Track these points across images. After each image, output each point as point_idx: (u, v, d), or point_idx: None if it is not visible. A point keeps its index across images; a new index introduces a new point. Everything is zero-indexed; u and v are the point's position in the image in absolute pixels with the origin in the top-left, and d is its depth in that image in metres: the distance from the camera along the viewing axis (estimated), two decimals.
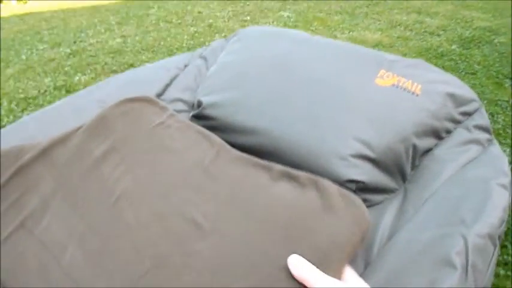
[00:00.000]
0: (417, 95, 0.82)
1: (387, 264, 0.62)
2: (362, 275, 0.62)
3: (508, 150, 1.79)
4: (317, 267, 0.53)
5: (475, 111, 0.89)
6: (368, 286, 0.51)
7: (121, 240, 0.66)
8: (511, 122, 2.00)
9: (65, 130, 0.83)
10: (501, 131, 1.92)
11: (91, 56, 2.82)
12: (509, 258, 1.29)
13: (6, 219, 0.69)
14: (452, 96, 0.86)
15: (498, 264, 1.27)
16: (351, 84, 0.83)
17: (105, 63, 2.65)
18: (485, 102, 2.17)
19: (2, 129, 0.94)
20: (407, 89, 0.83)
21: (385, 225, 0.71)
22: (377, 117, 0.78)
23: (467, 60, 2.67)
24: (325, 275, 0.50)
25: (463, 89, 0.90)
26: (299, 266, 0.52)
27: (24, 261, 0.64)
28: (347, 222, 0.61)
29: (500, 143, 1.79)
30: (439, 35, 3.08)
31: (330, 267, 0.54)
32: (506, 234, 1.38)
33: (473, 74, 2.48)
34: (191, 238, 0.64)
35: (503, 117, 2.03)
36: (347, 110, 0.79)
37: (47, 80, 2.48)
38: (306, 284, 0.50)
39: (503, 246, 1.33)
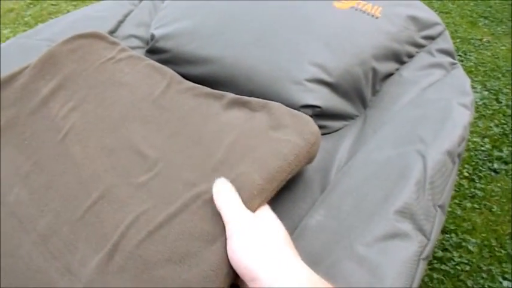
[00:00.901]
0: (377, 18, 0.78)
1: (342, 185, 0.60)
2: (318, 199, 0.60)
3: (479, 87, 1.78)
4: (258, 177, 0.52)
5: (439, 35, 0.86)
6: (278, 221, 0.47)
7: (67, 176, 0.63)
8: (484, 59, 1.98)
9: (10, 71, 0.79)
10: (473, 69, 1.91)
11: (52, 4, 2.68)
12: (476, 191, 1.30)
13: None
14: (414, 19, 0.82)
15: (465, 197, 1.28)
16: (308, 7, 0.79)
17: (68, 12, 2.53)
18: (458, 40, 2.15)
19: None
20: (366, 12, 0.79)
21: (343, 151, 0.69)
22: (334, 41, 0.74)
23: None
24: (240, 209, 0.45)
25: (426, 12, 0.86)
26: (219, 194, 0.48)
27: None
28: (292, 136, 0.59)
29: (472, 81, 1.78)
30: None
31: (273, 176, 0.53)
32: (474, 168, 1.39)
33: (447, 13, 2.44)
34: (137, 170, 0.62)
35: (475, 55, 2.02)
36: (303, 33, 0.75)
37: (5, 32, 2.36)
38: (221, 214, 0.46)
39: (470, 180, 1.34)
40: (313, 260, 0.50)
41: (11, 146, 0.69)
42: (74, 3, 2.67)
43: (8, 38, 2.26)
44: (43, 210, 0.59)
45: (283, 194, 0.61)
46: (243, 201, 0.48)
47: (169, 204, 0.56)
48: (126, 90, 0.76)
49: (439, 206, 0.57)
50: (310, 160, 0.60)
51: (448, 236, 1.16)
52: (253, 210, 0.49)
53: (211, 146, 0.63)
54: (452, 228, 1.18)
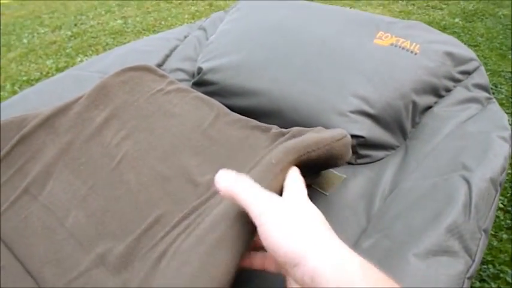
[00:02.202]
0: (415, 54, 0.82)
1: (391, 211, 0.63)
2: (366, 228, 0.63)
3: (511, 119, 1.78)
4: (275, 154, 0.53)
5: (475, 70, 0.89)
6: (311, 204, 0.45)
7: (122, 201, 0.67)
8: None
9: (65, 101, 0.84)
10: (504, 101, 1.92)
11: (92, 37, 2.81)
12: None
13: (11, 187, 0.71)
14: (450, 55, 0.86)
15: (501, 228, 1.28)
16: (350, 45, 0.84)
17: (107, 44, 2.65)
18: (488, 73, 2.16)
19: (3, 102, 0.95)
20: (405, 48, 0.83)
21: (386, 179, 0.71)
22: (376, 75, 0.78)
23: (470, 32, 2.64)
24: (269, 197, 0.43)
25: (462, 49, 0.90)
26: (236, 187, 0.44)
27: (29, 224, 0.65)
28: (319, 134, 0.61)
29: (505, 112, 1.78)
30: (441, 9, 3.04)
31: (288, 150, 0.54)
32: (509, 199, 1.39)
33: (476, 46, 2.46)
34: (190, 197, 0.66)
35: (506, 88, 2.02)
36: (345, 68, 0.79)
37: (49, 62, 2.48)
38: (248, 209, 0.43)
39: (506, 211, 1.34)
40: None
41: (68, 171, 0.73)
42: (113, 36, 2.79)
43: (50, 69, 2.37)
44: (101, 232, 0.63)
45: (329, 217, 0.64)
46: (265, 168, 0.51)
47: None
48: (176, 120, 0.80)
49: (484, 230, 0.59)
50: (335, 156, 0.60)
51: (485, 267, 1.16)
52: (277, 179, 0.50)
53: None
54: (489, 259, 1.18)
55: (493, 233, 1.26)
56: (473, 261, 0.55)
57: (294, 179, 0.49)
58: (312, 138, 0.57)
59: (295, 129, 0.72)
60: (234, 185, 0.44)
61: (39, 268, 0.60)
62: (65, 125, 0.80)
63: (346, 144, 0.62)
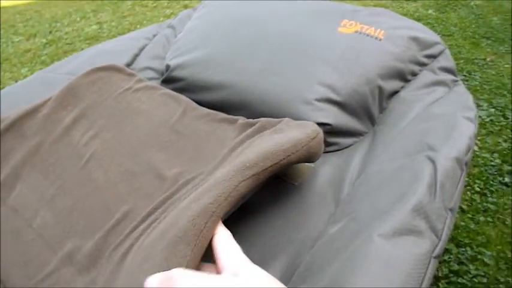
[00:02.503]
0: (380, 40, 0.82)
1: (358, 194, 0.63)
2: (334, 214, 0.63)
3: (485, 105, 1.81)
4: (252, 156, 0.53)
5: (440, 53, 0.90)
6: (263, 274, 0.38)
7: (91, 199, 0.67)
8: (489, 78, 2.01)
9: (34, 103, 0.83)
10: (478, 87, 1.94)
11: (67, 43, 2.79)
12: (489, 205, 1.31)
13: None
14: (415, 39, 0.86)
15: (478, 211, 1.29)
16: (314, 34, 0.84)
17: (82, 50, 2.62)
18: (462, 61, 2.18)
19: None
20: (370, 35, 0.83)
21: (354, 166, 0.72)
22: (340, 62, 0.78)
23: (443, 23, 2.67)
24: (241, 259, 0.39)
25: (427, 33, 0.90)
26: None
27: None
28: (292, 132, 0.62)
29: (478, 99, 1.81)
30: (415, 1, 3.07)
31: (265, 156, 0.54)
32: (485, 182, 1.40)
33: (449, 35, 2.49)
34: (157, 192, 0.65)
35: (480, 75, 2.05)
36: (310, 57, 0.79)
37: (23, 70, 2.45)
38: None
39: (482, 194, 1.36)
40: (334, 254, 0.52)
41: (36, 172, 0.73)
42: (88, 41, 2.77)
43: (25, 77, 2.34)
44: (69, 231, 0.63)
45: (298, 207, 0.64)
46: (236, 168, 0.50)
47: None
48: (144, 117, 0.80)
49: (450, 209, 0.59)
50: (312, 154, 0.61)
51: (463, 249, 1.17)
52: (246, 182, 0.50)
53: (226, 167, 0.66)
54: (467, 241, 1.19)
55: (470, 216, 1.27)
56: (440, 240, 0.55)
57: (224, 240, 0.43)
58: (288, 141, 0.57)
59: (263, 120, 0.71)
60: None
61: (6, 271, 0.59)
62: (33, 127, 0.79)
63: (320, 141, 0.62)
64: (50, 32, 3.07)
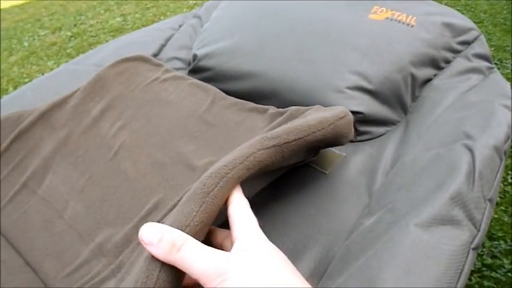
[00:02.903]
0: (412, 26, 0.80)
1: (393, 185, 0.61)
2: (368, 205, 0.61)
3: None
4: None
5: (474, 40, 0.87)
6: (269, 245, 0.39)
7: (121, 190, 0.67)
8: None
9: (62, 95, 0.84)
10: (510, 76, 1.89)
11: (92, 36, 2.82)
12: None
13: (9, 182, 0.71)
14: (449, 25, 0.84)
15: (511, 203, 1.26)
16: (344, 21, 0.82)
17: (106, 42, 2.65)
18: (493, 49, 2.12)
19: (2, 99, 0.95)
20: (401, 21, 0.81)
21: (387, 155, 0.70)
22: (372, 49, 0.76)
23: (472, 10, 2.61)
24: (255, 230, 0.39)
25: (461, 19, 0.88)
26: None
27: (29, 217, 0.66)
28: (320, 113, 0.60)
29: None
30: None
31: (290, 130, 0.52)
32: None
33: (479, 22, 2.43)
34: (189, 183, 0.65)
35: (511, 62, 1.99)
36: (341, 44, 0.78)
37: (50, 63, 2.49)
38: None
39: None
40: (369, 245, 0.51)
41: (66, 164, 0.73)
42: (112, 33, 2.79)
43: (52, 69, 2.38)
44: (100, 222, 0.63)
45: (330, 196, 0.63)
46: (256, 139, 0.48)
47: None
48: (172, 108, 0.80)
49: (489, 200, 0.57)
50: (340, 134, 0.58)
51: (497, 243, 1.14)
52: (266, 151, 0.48)
53: None
54: (500, 235, 1.16)
55: (503, 208, 1.24)
56: (479, 231, 0.54)
57: (240, 209, 0.42)
58: (315, 118, 0.55)
59: (292, 108, 0.70)
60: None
61: (39, 261, 0.60)
62: (62, 119, 0.80)
63: (349, 122, 0.60)
64: (75, 25, 3.11)
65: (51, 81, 1.00)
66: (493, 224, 1.19)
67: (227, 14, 1.00)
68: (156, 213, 0.61)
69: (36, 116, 0.79)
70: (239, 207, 0.41)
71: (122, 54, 0.95)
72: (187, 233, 0.37)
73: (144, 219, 0.61)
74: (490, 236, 1.15)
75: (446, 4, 2.55)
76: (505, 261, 1.10)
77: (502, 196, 1.28)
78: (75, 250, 0.60)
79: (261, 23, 0.89)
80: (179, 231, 0.37)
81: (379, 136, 0.74)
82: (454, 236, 0.51)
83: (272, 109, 0.73)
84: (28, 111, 0.81)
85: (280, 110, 0.72)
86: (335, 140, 0.59)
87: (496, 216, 1.21)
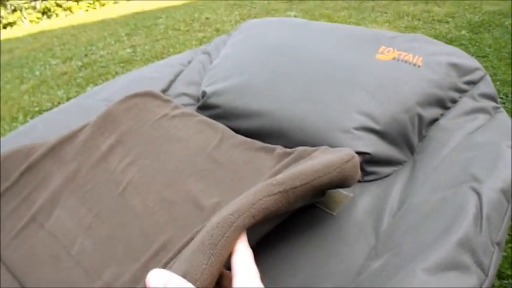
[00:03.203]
0: (419, 66, 0.81)
1: (400, 228, 0.61)
2: (375, 247, 0.61)
3: None
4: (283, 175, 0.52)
5: (480, 79, 0.88)
6: None
7: (129, 228, 0.67)
8: None
9: (72, 129, 0.85)
10: None
11: (102, 67, 2.86)
12: None
13: (18, 215, 0.71)
14: (455, 66, 0.85)
15: None
16: (352, 61, 0.83)
17: (116, 73, 2.69)
18: (498, 83, 2.13)
19: (13, 131, 0.96)
20: (408, 61, 0.82)
21: (395, 195, 0.70)
22: (379, 90, 0.77)
23: (477, 44, 2.63)
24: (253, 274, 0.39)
25: (466, 59, 0.89)
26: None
27: (36, 252, 0.66)
28: (327, 156, 0.60)
29: None
30: (447, 22, 3.04)
31: (295, 176, 0.52)
32: None
33: (484, 57, 2.44)
34: (198, 223, 0.65)
35: None
36: (348, 85, 0.79)
37: (60, 93, 2.53)
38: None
39: None
40: (377, 286, 0.51)
41: (74, 198, 0.74)
42: (122, 64, 2.84)
43: (61, 99, 2.41)
44: (107, 260, 0.63)
45: (337, 237, 0.63)
46: (263, 185, 0.48)
47: None
48: (181, 145, 0.81)
49: (497, 243, 0.57)
50: (346, 178, 0.58)
51: (506, 282, 1.12)
52: (272, 198, 0.48)
53: None
54: (510, 273, 1.14)
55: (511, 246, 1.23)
56: (487, 276, 0.53)
57: (243, 260, 0.42)
58: (320, 162, 0.56)
59: (300, 149, 0.71)
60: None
61: None
62: (71, 153, 0.81)
63: (355, 165, 0.60)
64: (86, 55, 3.17)
65: (61, 115, 1.02)
66: (502, 262, 1.18)
67: (236, 51, 1.02)
68: (164, 254, 0.61)
69: (46, 149, 0.80)
70: (242, 258, 0.41)
71: (132, 90, 0.96)
72: (198, 287, 0.38)
73: (152, 259, 0.61)
74: (499, 275, 1.14)
75: (451, 38, 2.59)
76: None
77: (510, 233, 1.26)
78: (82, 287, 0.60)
79: (270, 61, 0.90)
80: (185, 280, 0.37)
81: (386, 176, 0.74)
82: (462, 282, 0.50)
83: (280, 149, 0.74)
84: (38, 145, 0.82)
85: (288, 150, 0.72)
86: (341, 183, 0.59)
87: (505, 253, 1.19)
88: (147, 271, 0.59)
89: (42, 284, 0.61)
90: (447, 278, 0.50)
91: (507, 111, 1.82)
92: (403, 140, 0.76)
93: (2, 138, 0.93)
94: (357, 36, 0.91)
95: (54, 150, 0.81)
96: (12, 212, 0.72)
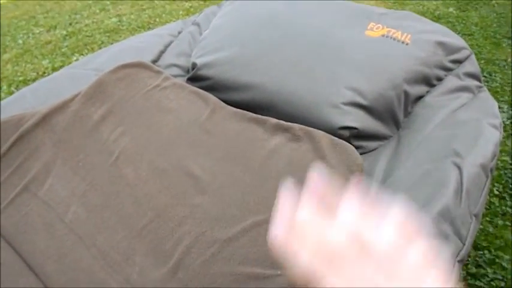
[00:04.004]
0: (407, 44, 0.83)
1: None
2: None
3: (505, 107, 1.80)
4: None
5: (466, 58, 0.90)
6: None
7: (122, 196, 0.68)
8: (510, 79, 2.00)
9: (62, 98, 0.85)
10: (499, 89, 1.92)
11: (87, 36, 2.81)
12: (507, 209, 1.31)
13: (10, 184, 0.71)
14: (442, 44, 0.87)
15: (496, 214, 1.29)
16: (341, 37, 0.84)
17: (102, 42, 2.64)
18: (482, 62, 2.16)
19: (2, 101, 0.96)
20: (397, 39, 0.84)
21: (379, 169, 0.72)
22: (368, 66, 0.79)
23: (464, 22, 2.65)
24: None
25: (453, 38, 0.91)
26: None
27: (30, 221, 0.66)
28: (338, 167, 0.62)
29: (498, 101, 1.79)
30: None
31: None
32: (504, 186, 1.40)
33: (470, 35, 2.46)
34: (190, 192, 0.67)
35: (500, 76, 2.03)
36: (338, 60, 0.80)
37: (44, 62, 2.48)
38: None
39: (501, 198, 1.35)
40: None
41: (67, 168, 0.74)
42: (108, 34, 2.79)
43: (46, 69, 2.37)
44: (100, 227, 0.65)
45: None
46: None
47: (227, 228, 0.61)
48: (173, 115, 0.81)
49: (474, 215, 0.60)
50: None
51: (481, 252, 1.17)
52: None
53: (261, 173, 0.67)
54: (485, 245, 1.19)
55: (488, 219, 1.27)
56: (464, 244, 0.56)
57: None
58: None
59: (297, 127, 0.72)
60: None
61: (40, 264, 0.61)
62: (63, 122, 0.81)
63: (361, 172, 0.64)
64: (70, 24, 3.09)
65: (51, 84, 1.01)
66: (478, 234, 1.22)
67: (227, 22, 1.02)
68: (159, 222, 0.63)
69: (37, 119, 0.79)
70: None
71: (122, 60, 0.96)
72: None
73: (146, 228, 0.63)
74: (475, 246, 1.18)
75: (439, 15, 2.60)
76: (489, 270, 1.13)
77: (488, 207, 1.31)
78: (77, 254, 0.61)
79: (261, 33, 0.91)
80: None
81: (372, 150, 0.76)
82: (441, 249, 0.53)
83: (271, 120, 0.75)
84: (29, 114, 0.81)
85: (281, 123, 0.74)
86: None
87: (481, 226, 1.24)
88: (142, 240, 0.61)
89: (37, 251, 0.62)
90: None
91: (490, 90, 1.85)
92: (389, 116, 0.78)
93: None
94: (347, 12, 0.92)
95: (46, 119, 0.80)
96: (4, 181, 0.71)
